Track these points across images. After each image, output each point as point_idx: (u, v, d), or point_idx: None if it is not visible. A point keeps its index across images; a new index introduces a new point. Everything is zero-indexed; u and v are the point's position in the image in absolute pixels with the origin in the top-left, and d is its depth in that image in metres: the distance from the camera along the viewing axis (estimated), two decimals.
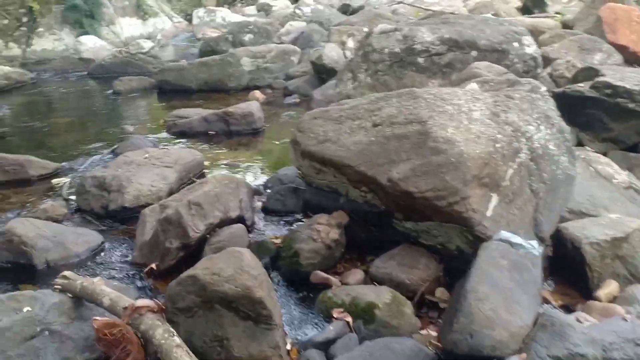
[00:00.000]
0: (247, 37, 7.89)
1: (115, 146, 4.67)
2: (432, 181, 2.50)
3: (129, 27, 12.62)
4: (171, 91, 7.06)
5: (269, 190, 3.62)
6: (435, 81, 4.02)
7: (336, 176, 3.00)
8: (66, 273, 2.20)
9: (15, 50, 10.60)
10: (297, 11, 13.76)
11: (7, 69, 8.12)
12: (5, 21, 10.52)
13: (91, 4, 11.17)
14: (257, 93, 6.43)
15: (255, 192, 3.58)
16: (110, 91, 7.32)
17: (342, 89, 4.25)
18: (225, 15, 14.84)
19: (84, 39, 10.17)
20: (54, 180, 3.92)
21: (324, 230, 2.77)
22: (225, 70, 6.81)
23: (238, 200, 3.13)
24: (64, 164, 4.26)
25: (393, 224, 2.81)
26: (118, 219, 3.34)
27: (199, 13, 14.91)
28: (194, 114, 5.43)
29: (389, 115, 2.83)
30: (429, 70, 4.02)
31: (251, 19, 14.71)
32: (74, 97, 7.19)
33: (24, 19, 10.83)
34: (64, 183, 3.84)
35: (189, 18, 17.17)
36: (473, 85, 3.16)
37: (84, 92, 7.48)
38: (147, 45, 9.38)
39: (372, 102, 2.99)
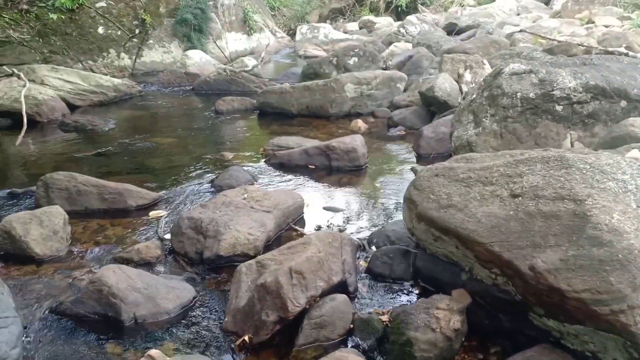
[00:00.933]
0: (352, 61, 7.60)
1: (214, 176, 4.50)
2: (590, 280, 2.01)
3: (234, 42, 12.81)
4: (272, 114, 6.90)
5: (373, 248, 3.23)
6: (574, 133, 3.46)
7: (459, 248, 2.57)
8: (153, 354, 1.93)
9: (126, 60, 11.01)
10: (402, 30, 13.37)
11: (117, 81, 8.35)
12: (119, 32, 10.97)
13: (200, 19, 11.41)
14: (360, 122, 6.09)
15: (359, 248, 3.22)
16: (212, 110, 7.29)
17: (462, 134, 3.78)
18: (328, 32, 14.75)
19: (191, 53, 10.36)
20: (152, 213, 3.77)
21: (445, 317, 2.34)
22: (328, 95, 6.54)
23: (341, 262, 2.78)
24: (162, 193, 4.12)
25: (529, 317, 2.33)
26: (212, 268, 3.10)
27: (302, 29, 14.94)
28: (293, 143, 5.18)
29: (532, 185, 2.35)
30: (568, 119, 3.47)
31: (354, 37, 14.55)
32: (177, 114, 7.20)
33: (137, 31, 11.25)
34: (161, 218, 3.68)
35: (291, 33, 17.31)
36: (636, 153, 2.60)
37: (187, 110, 7.50)
38: (250, 63, 9.39)
39: (510, 166, 2.53)
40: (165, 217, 3.69)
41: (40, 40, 10.20)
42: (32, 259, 3.19)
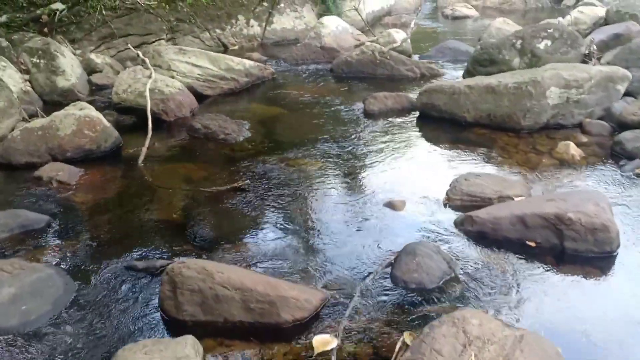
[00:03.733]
0: (543, 45, 5.79)
1: (388, 254, 3.21)
2: None
3: (371, 1, 11.18)
4: (436, 119, 5.43)
5: None
6: None
7: None
8: None
9: (255, 28, 9.92)
10: None
11: (248, 63, 7.23)
12: None
13: None
14: (572, 146, 4.45)
15: None
16: (360, 109, 5.94)
17: None
18: None
19: (326, 20, 8.95)
20: (317, 342, 2.56)
21: None
22: (521, 102, 4.92)
23: None
24: (327, 293, 2.90)
25: None
26: None
27: None
28: (490, 192, 3.75)
29: None
30: None
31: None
32: (318, 114, 5.94)
33: None
34: (332, 352, 2.47)
35: None
36: None
37: (330, 105, 6.19)
38: (399, 37, 7.82)
39: None
40: (336, 347, 2.48)
41: (167, 7, 9.33)
42: None
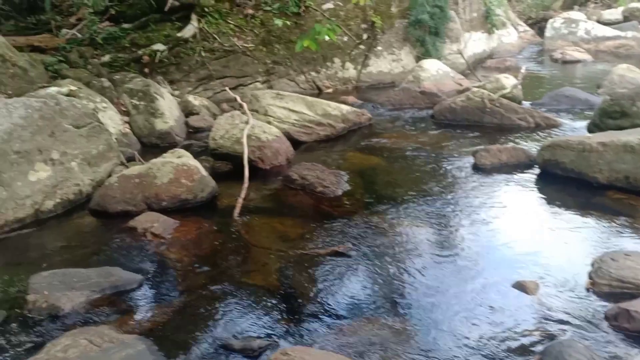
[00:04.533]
0: None
1: None
2: None
3: (472, 43, 10.68)
4: (562, 179, 4.78)
5: None
6: None
7: None
8: None
9: (350, 71, 9.70)
10: None
11: (345, 108, 6.94)
12: (345, 38, 9.62)
13: (438, 19, 9.54)
14: None
15: None
16: (468, 161, 5.41)
17: None
18: (591, 27, 11.71)
19: (425, 63, 8.54)
20: None
21: None
22: None
23: None
24: None
25: None
26: None
27: (554, 23, 12.11)
28: None
29: None
30: None
31: (627, 34, 11.31)
32: (421, 166, 5.48)
33: (364, 36, 9.81)
34: None
35: (530, 23, 14.50)
36: None
37: (434, 156, 5.71)
38: (508, 83, 7.24)
39: None
40: None
41: (264, 49, 9.32)
42: None
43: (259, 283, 3.52)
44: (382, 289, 3.38)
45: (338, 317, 3.11)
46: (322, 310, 3.18)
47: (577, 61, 10.18)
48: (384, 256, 3.74)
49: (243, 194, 4.74)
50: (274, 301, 3.29)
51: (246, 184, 4.90)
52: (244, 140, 5.52)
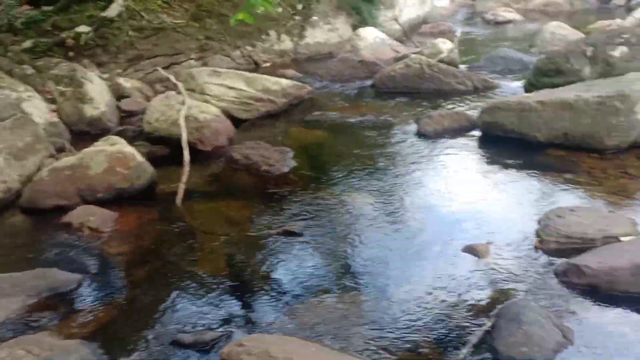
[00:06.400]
0: (618, 52, 5.16)
1: (486, 327, 2.62)
2: None
3: (406, 8, 10.65)
4: (503, 140, 4.84)
5: None
6: None
7: None
8: None
9: (287, 43, 9.46)
10: None
11: (285, 82, 6.75)
12: (280, 9, 9.35)
13: None
14: None
15: None
16: (412, 129, 5.39)
17: None
18: None
19: (362, 32, 8.44)
20: None
21: None
22: (605, 119, 4.32)
23: None
24: None
25: None
26: None
27: None
28: (594, 231, 3.16)
29: None
30: None
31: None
32: (365, 137, 5.41)
33: (299, 6, 9.58)
34: None
35: None
36: None
37: (377, 126, 5.64)
38: (445, 47, 7.25)
39: None
40: None
41: (196, 24, 8.93)
42: None
43: (208, 271, 3.37)
44: (334, 265, 3.32)
45: (292, 298, 3.03)
46: (275, 294, 3.08)
47: (509, 21, 10.34)
48: (334, 232, 3.67)
49: (184, 179, 4.52)
50: (224, 289, 3.16)
51: (187, 167, 4.67)
52: (182, 121, 5.26)
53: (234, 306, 3.00)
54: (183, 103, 5.60)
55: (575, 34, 7.48)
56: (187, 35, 8.74)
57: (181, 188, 4.42)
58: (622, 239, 3.14)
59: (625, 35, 5.21)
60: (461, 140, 5.04)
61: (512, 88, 6.31)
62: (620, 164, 4.21)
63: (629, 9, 10.76)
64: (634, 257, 2.78)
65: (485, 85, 6.44)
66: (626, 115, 4.25)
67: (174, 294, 3.12)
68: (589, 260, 2.88)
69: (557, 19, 9.33)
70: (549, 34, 7.48)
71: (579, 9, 11.41)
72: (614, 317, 2.63)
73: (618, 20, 8.46)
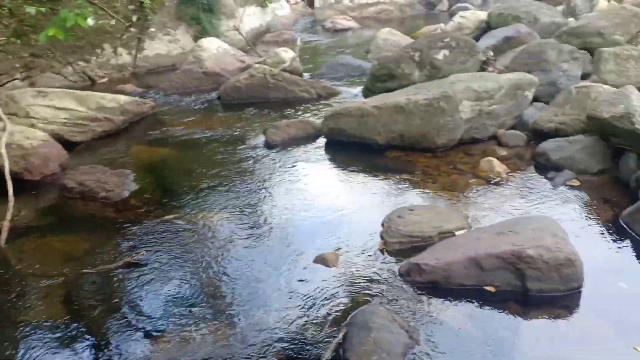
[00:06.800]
0: (441, 55, 5.59)
1: (339, 339, 2.63)
2: None
3: (247, 18, 10.65)
4: (346, 145, 4.99)
5: None
6: None
7: None
8: None
9: (124, 57, 8.95)
10: None
11: (123, 98, 6.35)
12: (113, 21, 8.81)
13: None
14: (496, 162, 4.20)
15: None
16: (260, 141, 5.35)
17: None
18: None
19: (204, 42, 8.25)
20: None
21: None
22: (434, 120, 4.62)
23: None
24: None
25: None
26: None
27: None
28: (430, 229, 3.34)
29: None
30: None
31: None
32: (213, 152, 5.24)
33: (134, 18, 9.09)
34: None
35: None
36: None
37: (225, 140, 5.52)
38: (287, 56, 7.33)
39: None
40: None
41: (18, 41, 8.07)
42: None
43: (43, 318, 3.00)
44: (183, 291, 3.13)
45: (147, 334, 2.79)
46: (126, 333, 2.82)
47: (347, 29, 10.80)
48: (182, 256, 3.48)
49: (9, 215, 4.01)
50: (64, 335, 2.83)
51: (11, 202, 4.15)
52: (3, 150, 4.67)
53: (78, 353, 2.69)
54: (3, 129, 4.99)
55: (405, 40, 7.99)
56: (8, 53, 7.87)
57: (5, 226, 3.92)
58: (457, 233, 3.35)
59: (446, 40, 5.65)
60: (308, 148, 5.10)
61: (352, 94, 6.55)
62: (450, 160, 4.53)
63: (452, 14, 11.79)
64: (466, 250, 2.97)
65: (328, 92, 6.62)
66: (451, 115, 4.59)
67: (4, 350, 2.71)
68: (427, 257, 3.03)
69: (389, 25, 9.93)
70: (381, 41, 7.90)
71: (409, 15, 12.26)
72: (454, 312, 2.78)
73: (442, 25, 9.19)
